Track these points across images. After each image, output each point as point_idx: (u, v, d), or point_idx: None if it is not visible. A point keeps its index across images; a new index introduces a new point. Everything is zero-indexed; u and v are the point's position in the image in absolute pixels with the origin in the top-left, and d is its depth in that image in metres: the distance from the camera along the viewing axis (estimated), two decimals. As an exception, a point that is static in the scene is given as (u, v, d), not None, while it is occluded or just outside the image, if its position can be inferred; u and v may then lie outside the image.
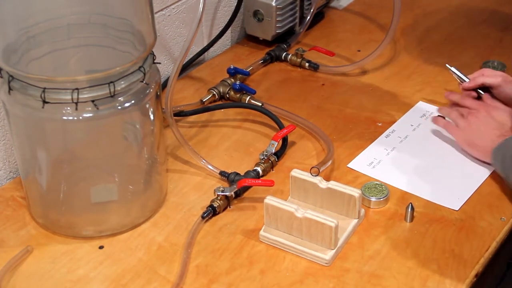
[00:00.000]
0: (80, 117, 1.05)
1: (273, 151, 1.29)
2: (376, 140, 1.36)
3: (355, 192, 1.14)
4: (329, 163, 1.26)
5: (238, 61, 1.60)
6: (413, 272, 1.08)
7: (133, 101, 1.08)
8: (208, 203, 1.19)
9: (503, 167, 1.19)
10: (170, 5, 1.50)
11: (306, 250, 1.11)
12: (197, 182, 1.27)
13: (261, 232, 1.14)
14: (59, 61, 1.10)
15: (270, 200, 1.12)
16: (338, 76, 1.56)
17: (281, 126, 1.36)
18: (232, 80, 1.49)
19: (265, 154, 1.27)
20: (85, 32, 1.09)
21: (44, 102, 1.02)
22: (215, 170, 1.27)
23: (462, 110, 1.31)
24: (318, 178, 1.17)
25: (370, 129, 1.39)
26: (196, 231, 1.15)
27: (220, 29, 1.65)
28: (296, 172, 1.18)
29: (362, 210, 1.17)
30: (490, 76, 1.32)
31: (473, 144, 1.27)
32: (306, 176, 1.17)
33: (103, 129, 1.11)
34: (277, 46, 1.62)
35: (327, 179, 1.20)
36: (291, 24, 1.66)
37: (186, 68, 1.57)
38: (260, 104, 1.44)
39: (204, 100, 1.45)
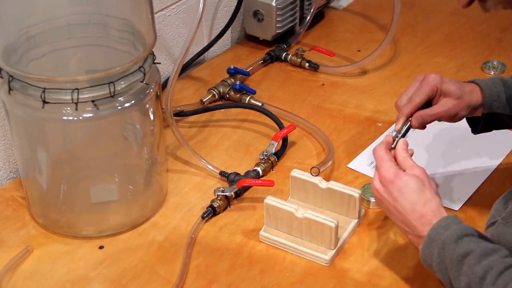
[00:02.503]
0: (80, 117, 1.05)
1: (273, 151, 1.29)
2: (376, 140, 1.36)
3: (355, 192, 1.14)
4: (329, 163, 1.26)
5: (238, 61, 1.60)
6: (413, 272, 1.08)
7: (133, 101, 1.08)
8: (208, 203, 1.19)
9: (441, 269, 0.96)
10: (170, 5, 1.50)
11: (306, 250, 1.11)
12: (197, 182, 1.27)
13: (261, 232, 1.14)
14: (59, 61, 1.10)
15: (270, 200, 1.12)
16: (338, 76, 1.56)
17: (281, 126, 1.36)
18: (232, 80, 1.49)
19: (265, 154, 1.27)
20: (85, 32, 1.09)
21: (44, 102, 1.02)
22: (215, 170, 1.27)
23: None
24: (318, 178, 1.17)
25: (370, 129, 1.39)
26: (196, 231, 1.15)
27: (220, 29, 1.65)
28: (296, 172, 1.18)
29: (362, 210, 1.17)
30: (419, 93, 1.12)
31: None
32: (306, 176, 1.17)
33: (103, 129, 1.11)
34: (277, 46, 1.62)
35: (327, 179, 1.20)
36: (291, 24, 1.66)
37: (186, 68, 1.57)
38: (260, 104, 1.44)
39: (204, 100, 1.45)
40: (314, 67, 1.57)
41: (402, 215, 1.00)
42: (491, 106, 1.13)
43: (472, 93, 1.13)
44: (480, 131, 1.18)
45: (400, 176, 1.00)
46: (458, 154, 1.31)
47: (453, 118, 1.14)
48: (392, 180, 1.00)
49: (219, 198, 1.19)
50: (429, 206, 0.98)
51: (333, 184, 1.15)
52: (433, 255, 0.96)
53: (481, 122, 1.16)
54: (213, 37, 1.63)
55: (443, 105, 1.12)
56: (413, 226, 0.99)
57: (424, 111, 1.12)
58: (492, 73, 1.54)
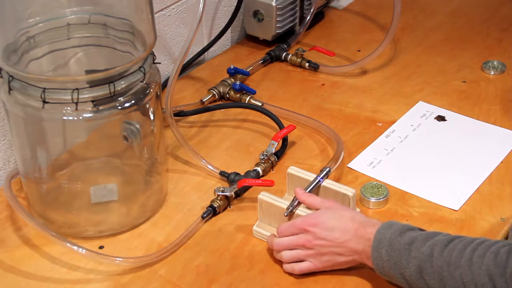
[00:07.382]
0: (80, 117, 1.05)
1: (273, 151, 1.29)
2: (376, 140, 1.36)
3: (349, 191, 1.13)
4: (341, 155, 1.26)
5: (238, 61, 1.60)
6: (413, 272, 1.08)
7: (133, 101, 1.08)
8: (208, 203, 1.19)
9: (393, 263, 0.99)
10: (170, 5, 1.50)
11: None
12: (197, 182, 1.27)
13: (254, 227, 1.14)
14: (59, 61, 1.10)
15: (263, 196, 1.12)
16: (338, 76, 1.56)
17: (281, 126, 1.36)
18: (232, 80, 1.49)
19: (265, 154, 1.27)
20: (85, 32, 1.09)
21: (44, 102, 1.02)
22: (215, 170, 1.27)
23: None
24: (314, 175, 1.16)
25: (370, 129, 1.39)
26: (194, 231, 1.15)
27: (220, 29, 1.65)
28: (293, 170, 1.18)
29: (357, 210, 1.17)
30: None
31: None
32: (302, 174, 1.17)
33: (103, 129, 1.11)
34: (277, 46, 1.62)
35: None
36: (291, 24, 1.66)
37: (186, 68, 1.57)
38: (260, 104, 1.44)
39: (204, 100, 1.45)
40: (314, 67, 1.57)
41: (338, 243, 1.04)
42: None
43: None
44: None
45: (317, 215, 1.06)
46: (458, 154, 1.31)
47: None
48: (314, 223, 1.05)
49: (219, 198, 1.19)
50: (357, 219, 1.04)
51: (328, 183, 1.15)
52: (382, 255, 1.00)
53: None
54: (213, 37, 1.63)
55: None
56: (352, 248, 1.04)
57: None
58: (492, 73, 1.54)
